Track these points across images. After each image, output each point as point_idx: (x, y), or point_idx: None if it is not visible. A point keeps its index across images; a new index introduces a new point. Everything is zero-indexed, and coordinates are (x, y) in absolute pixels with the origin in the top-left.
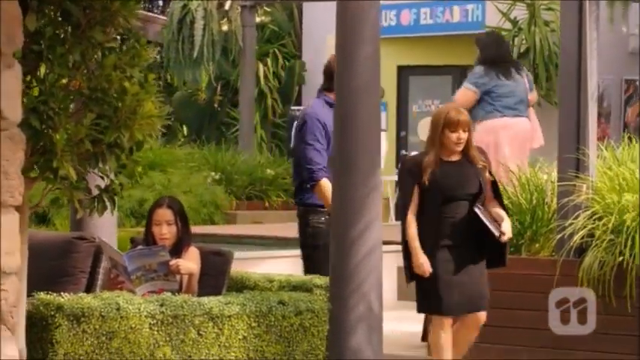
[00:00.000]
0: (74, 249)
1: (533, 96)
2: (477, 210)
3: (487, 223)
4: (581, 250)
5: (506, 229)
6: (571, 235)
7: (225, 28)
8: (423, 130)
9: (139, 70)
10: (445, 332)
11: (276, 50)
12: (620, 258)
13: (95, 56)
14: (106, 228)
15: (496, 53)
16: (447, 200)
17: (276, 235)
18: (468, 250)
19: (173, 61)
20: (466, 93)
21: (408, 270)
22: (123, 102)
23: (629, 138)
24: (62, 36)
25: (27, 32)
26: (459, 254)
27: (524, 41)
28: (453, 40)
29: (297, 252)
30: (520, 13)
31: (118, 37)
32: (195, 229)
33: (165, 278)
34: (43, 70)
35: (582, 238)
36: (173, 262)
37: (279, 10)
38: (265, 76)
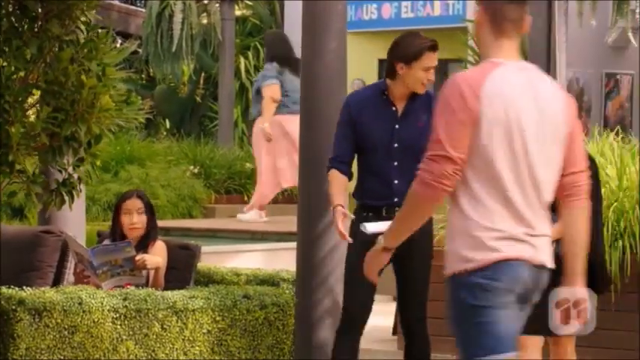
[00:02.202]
0: (41, 243)
1: None
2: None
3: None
4: None
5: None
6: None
7: (204, 21)
8: None
9: (96, 63)
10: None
11: (258, 44)
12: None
13: (53, 49)
14: (75, 222)
15: (283, 50)
16: None
17: (252, 229)
18: None
19: (152, 55)
20: (274, 88)
21: None
22: (80, 95)
23: (599, 132)
24: (19, 29)
25: None
26: None
27: None
28: (434, 33)
29: (271, 246)
30: None
31: (82, 31)
32: (172, 223)
33: (131, 273)
34: (1, 63)
35: None
36: (139, 257)
37: (260, 4)
38: (247, 70)
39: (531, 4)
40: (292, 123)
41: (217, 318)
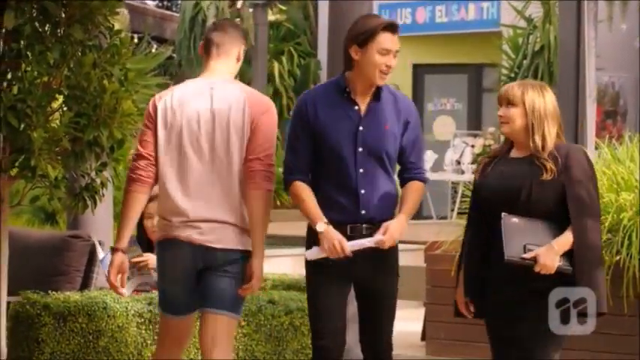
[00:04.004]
0: (69, 247)
1: None
2: None
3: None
4: None
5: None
6: None
7: None
8: (438, 128)
9: (119, 68)
10: None
11: (292, 49)
12: (617, 257)
13: (75, 54)
14: (103, 226)
15: None
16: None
17: (283, 233)
18: None
19: (185, 60)
20: None
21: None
22: (102, 100)
23: (630, 137)
24: (42, 34)
25: (6, 30)
26: None
27: (538, 39)
28: (468, 38)
29: (301, 251)
30: (535, 10)
31: (105, 36)
32: None
33: (139, 272)
34: (23, 68)
35: None
36: (141, 258)
37: (294, 9)
38: (280, 75)
39: (561, 4)
40: None
41: (242, 323)
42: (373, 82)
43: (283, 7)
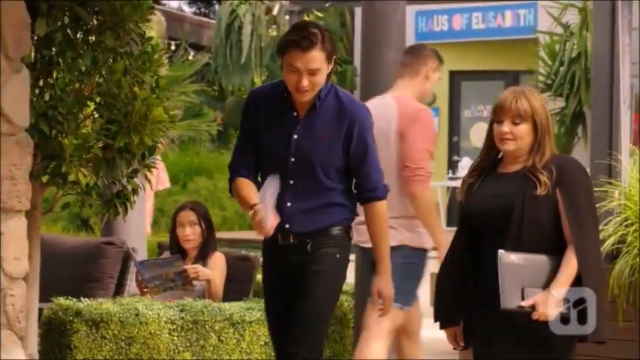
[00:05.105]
0: (102, 254)
1: None
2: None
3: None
4: (613, 257)
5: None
6: (602, 242)
7: (274, 33)
8: (475, 135)
9: (150, 75)
10: None
11: None
12: None
13: (107, 61)
14: (136, 233)
15: None
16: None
17: None
18: None
19: (221, 67)
20: None
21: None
22: (133, 107)
23: None
24: (73, 41)
25: (38, 37)
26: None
27: (575, 46)
28: (506, 44)
29: None
30: (572, 17)
31: (136, 43)
32: (238, 234)
33: (183, 288)
34: (55, 75)
35: (613, 244)
36: (192, 267)
37: (331, 16)
38: None
39: (595, 11)
40: None
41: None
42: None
43: (320, 14)
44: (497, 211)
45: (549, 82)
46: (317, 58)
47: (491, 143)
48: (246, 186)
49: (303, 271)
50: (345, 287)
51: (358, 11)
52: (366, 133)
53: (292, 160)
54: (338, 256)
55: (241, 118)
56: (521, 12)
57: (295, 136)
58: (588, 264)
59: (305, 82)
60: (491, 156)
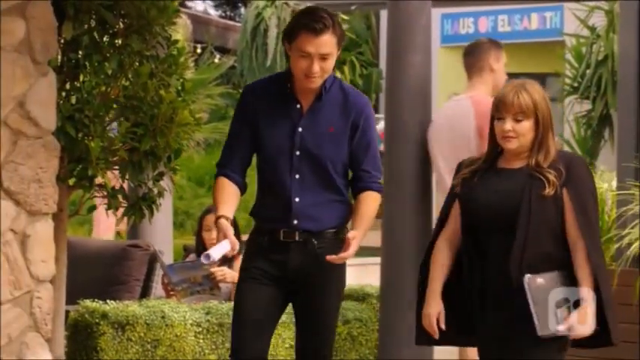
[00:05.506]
0: (128, 257)
1: None
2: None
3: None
4: None
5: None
6: (629, 245)
7: None
8: None
9: (176, 77)
10: None
11: (354, 58)
12: None
13: (133, 65)
14: (162, 236)
15: None
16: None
17: None
18: None
19: (247, 69)
20: None
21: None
22: (159, 110)
23: None
24: (100, 45)
25: (65, 40)
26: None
27: (602, 48)
28: (532, 47)
29: (362, 261)
30: (598, 20)
31: (162, 46)
32: None
33: (210, 292)
34: (81, 78)
35: None
36: (218, 269)
37: (356, 18)
38: None
39: (621, 12)
40: None
41: None
42: (301, 86)
43: (345, 17)
44: (502, 209)
45: (576, 84)
46: (329, 42)
47: (494, 140)
48: (223, 190)
49: (309, 282)
50: (370, 290)
51: (384, 14)
52: (370, 128)
53: (297, 153)
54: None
55: (235, 115)
56: (548, 14)
57: (300, 129)
58: (602, 270)
59: (317, 68)
60: (493, 154)
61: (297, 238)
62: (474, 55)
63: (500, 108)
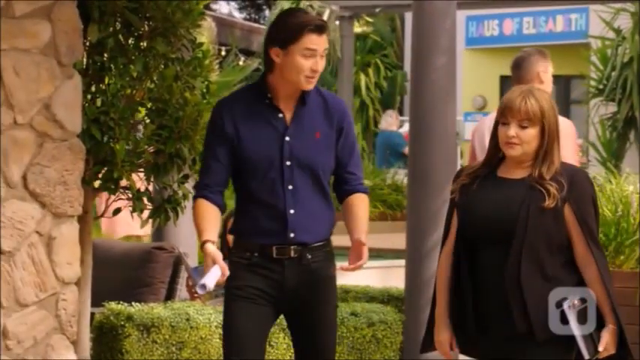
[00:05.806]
0: (153, 259)
1: None
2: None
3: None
4: None
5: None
6: None
7: None
8: None
9: (201, 80)
10: None
11: (378, 61)
12: None
13: (158, 67)
14: (186, 238)
15: None
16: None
17: (370, 246)
18: None
19: None
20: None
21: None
22: (184, 112)
23: None
24: (125, 47)
25: (90, 43)
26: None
27: (627, 50)
28: (557, 49)
29: (385, 263)
30: (624, 22)
31: (187, 48)
32: None
33: None
34: (107, 81)
35: None
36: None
37: (381, 21)
38: (367, 87)
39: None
40: None
41: None
42: (299, 88)
43: (370, 20)
44: (500, 220)
45: (601, 86)
46: (326, 40)
47: (496, 145)
48: (205, 213)
49: (308, 300)
50: (395, 293)
51: (408, 16)
52: (352, 130)
53: (288, 163)
54: (334, 274)
55: (209, 136)
56: (573, 17)
57: (287, 138)
58: (611, 290)
59: (321, 64)
60: (494, 159)
61: (292, 255)
62: (520, 69)
63: (505, 113)
